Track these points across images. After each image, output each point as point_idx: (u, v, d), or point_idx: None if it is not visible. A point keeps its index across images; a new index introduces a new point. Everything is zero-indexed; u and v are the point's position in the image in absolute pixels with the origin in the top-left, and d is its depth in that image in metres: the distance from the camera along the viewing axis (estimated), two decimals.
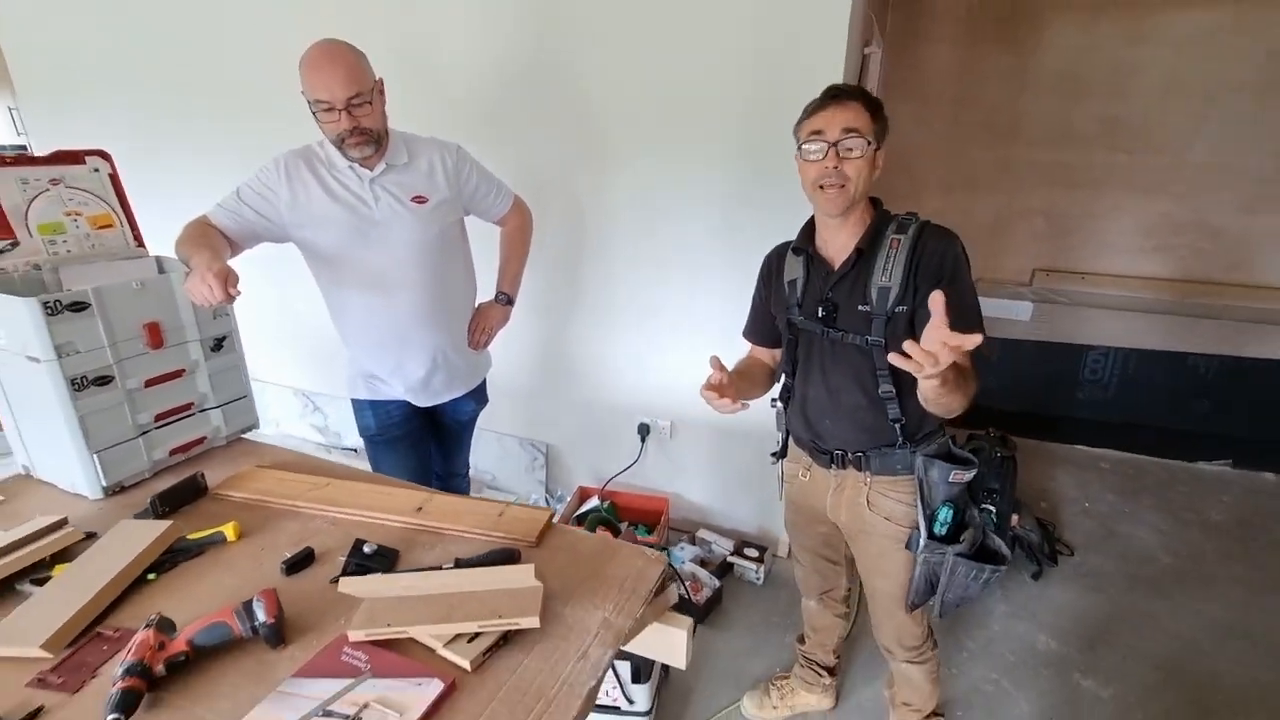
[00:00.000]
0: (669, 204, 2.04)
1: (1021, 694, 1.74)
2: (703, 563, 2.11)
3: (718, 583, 2.02)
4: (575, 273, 2.23)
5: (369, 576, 0.91)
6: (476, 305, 1.71)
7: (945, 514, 1.21)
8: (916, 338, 1.06)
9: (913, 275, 1.12)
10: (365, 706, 0.76)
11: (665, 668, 1.69)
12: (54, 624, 0.85)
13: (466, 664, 0.81)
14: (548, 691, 0.79)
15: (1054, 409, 3.23)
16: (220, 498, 1.20)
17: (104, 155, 1.39)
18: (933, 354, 0.90)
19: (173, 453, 1.29)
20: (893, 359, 0.94)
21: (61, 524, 1.06)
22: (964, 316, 1.07)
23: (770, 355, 1.42)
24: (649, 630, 0.99)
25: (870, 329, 1.15)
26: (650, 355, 2.24)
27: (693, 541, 2.23)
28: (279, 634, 0.85)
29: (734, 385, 1.14)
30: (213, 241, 1.32)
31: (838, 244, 1.20)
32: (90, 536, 1.06)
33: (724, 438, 2.22)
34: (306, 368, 2.90)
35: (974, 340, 0.87)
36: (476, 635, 0.85)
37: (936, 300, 0.91)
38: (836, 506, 1.33)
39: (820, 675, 1.66)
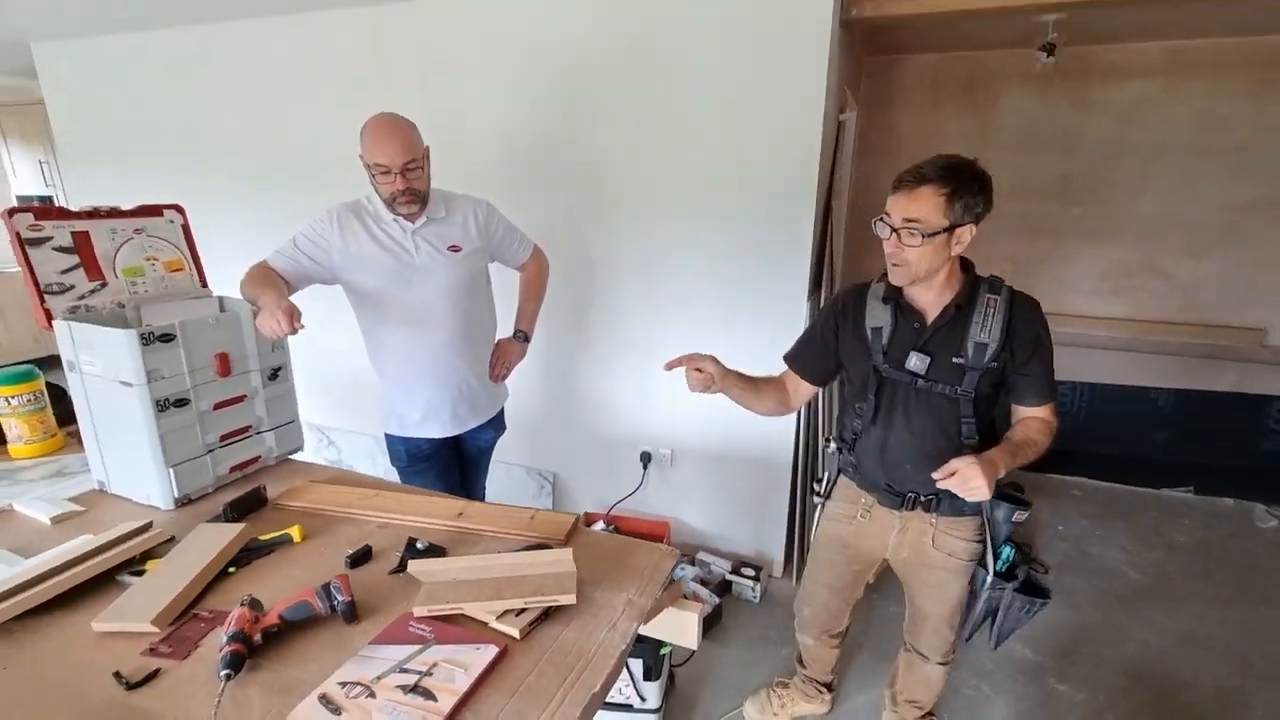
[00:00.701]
0: (668, 254, 2.26)
1: (1000, 698, 1.88)
2: (703, 582, 2.24)
3: (717, 600, 2.15)
4: (584, 315, 2.43)
5: (432, 559, 1.06)
6: (496, 341, 1.90)
7: (1008, 553, 1.30)
8: (1007, 395, 1.28)
9: (1009, 336, 1.21)
10: (435, 665, 0.91)
11: (672, 675, 1.81)
12: (159, 604, 1.00)
13: (516, 633, 0.96)
14: (586, 654, 0.95)
15: None
16: (280, 507, 1.35)
17: (179, 209, 1.58)
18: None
19: (232, 470, 1.44)
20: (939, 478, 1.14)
21: (147, 527, 1.20)
22: (1046, 385, 1.26)
23: (798, 388, 1.45)
24: (664, 614, 1.14)
25: (963, 380, 1.23)
26: (652, 389, 2.43)
27: (692, 562, 2.36)
28: (354, 610, 1.00)
29: (721, 374, 1.29)
30: (276, 282, 1.50)
31: (928, 298, 1.26)
32: (170, 540, 1.20)
33: (722, 465, 2.38)
34: (321, 403, 3.04)
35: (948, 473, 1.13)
36: (523, 610, 1.00)
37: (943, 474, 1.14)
38: (900, 545, 1.39)
39: (820, 690, 1.78)
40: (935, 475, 1.14)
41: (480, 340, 1.82)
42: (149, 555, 1.16)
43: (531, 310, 1.97)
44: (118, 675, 0.89)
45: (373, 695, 0.85)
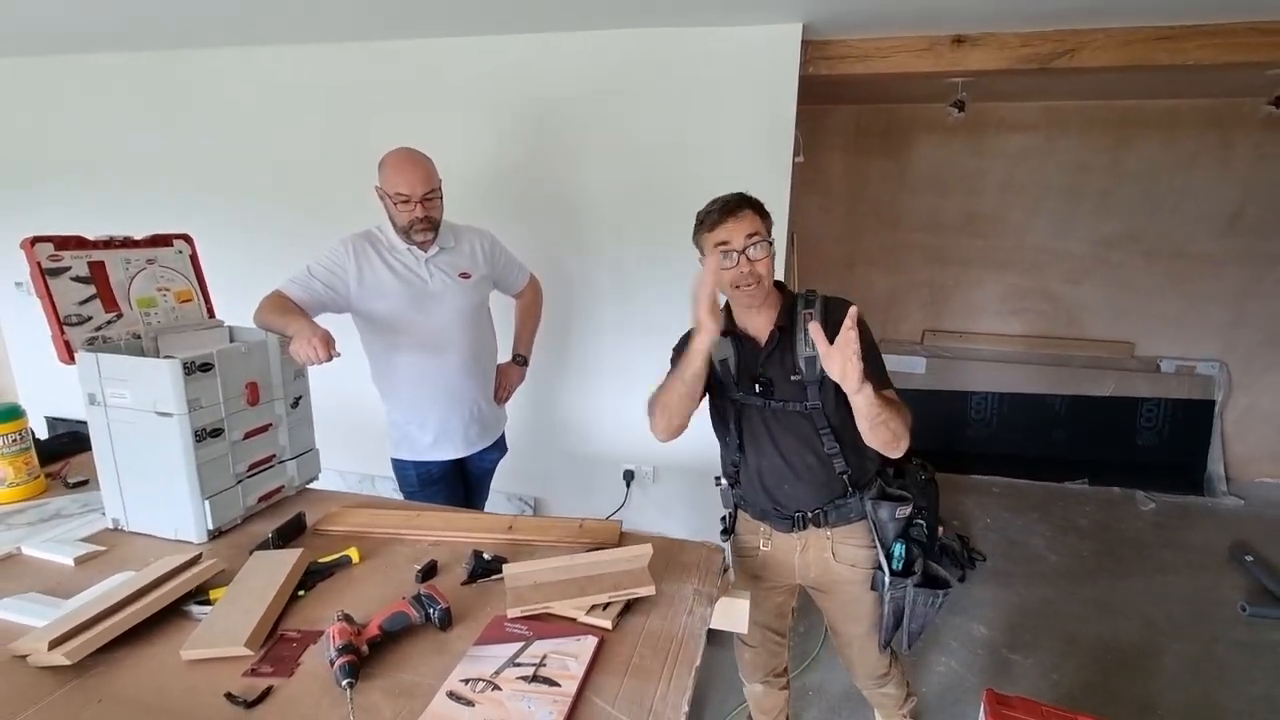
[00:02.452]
0: (644, 278, 2.41)
1: (967, 672, 2.11)
2: None
3: None
4: (564, 339, 2.53)
5: (522, 562, 1.13)
6: (498, 365, 1.96)
7: (899, 550, 1.34)
8: (843, 398, 1.22)
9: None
10: (545, 656, 0.98)
11: None
12: (246, 628, 1.00)
13: (608, 624, 1.05)
14: (676, 636, 1.05)
15: (951, 445, 3.83)
16: (322, 533, 1.35)
17: (187, 239, 1.56)
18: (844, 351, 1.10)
19: (259, 500, 1.42)
20: (813, 328, 1.13)
21: (197, 559, 1.18)
22: (872, 367, 1.19)
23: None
24: (719, 603, 1.26)
25: (806, 395, 1.29)
26: (632, 409, 2.53)
27: None
28: (449, 617, 1.05)
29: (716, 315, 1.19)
30: (298, 311, 1.51)
31: (757, 324, 1.34)
32: (221, 571, 1.18)
33: (702, 477, 2.52)
34: None
35: (850, 320, 1.09)
36: (608, 604, 1.09)
37: (816, 330, 1.14)
38: (805, 566, 1.43)
39: None
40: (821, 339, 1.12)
41: (487, 363, 1.89)
42: (204, 586, 1.14)
43: (529, 335, 2.06)
44: (230, 696, 0.89)
45: (497, 688, 0.91)
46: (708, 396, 1.43)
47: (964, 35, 2.17)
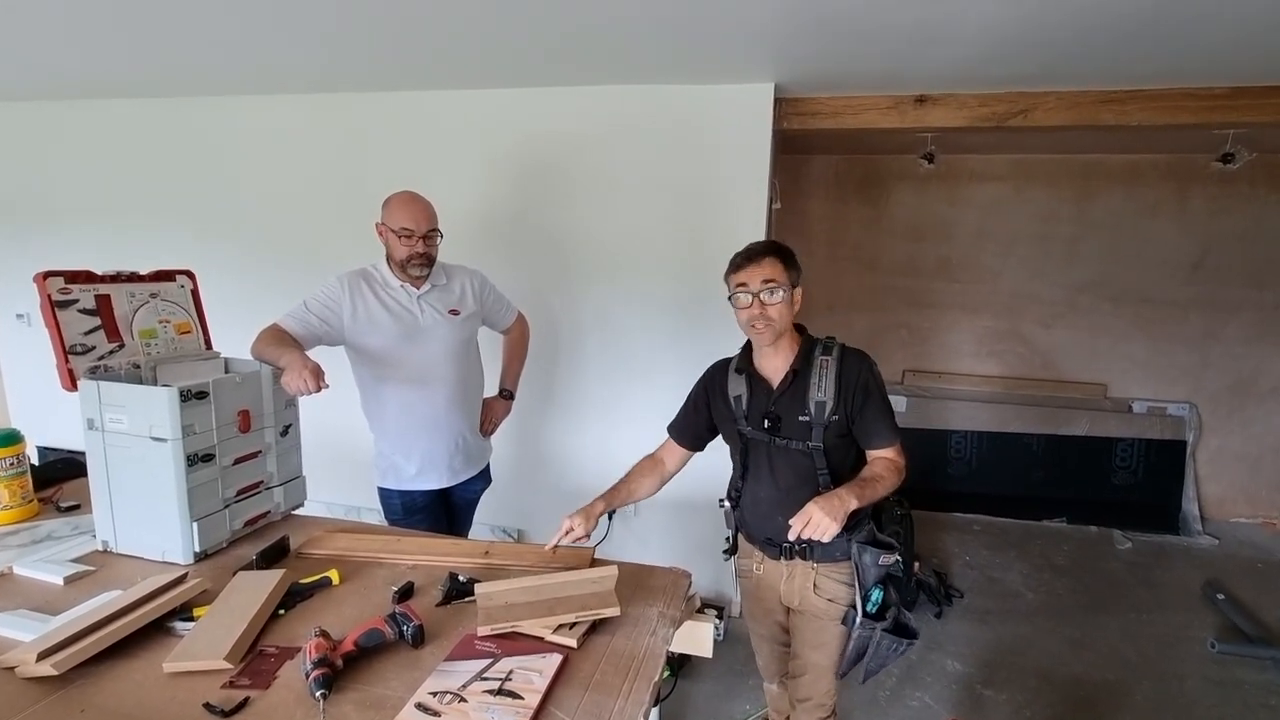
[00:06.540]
0: (627, 320, 2.52)
1: (940, 706, 2.13)
2: None
3: None
4: (549, 375, 2.61)
5: (496, 581, 1.18)
6: (484, 398, 2.04)
7: (877, 595, 1.37)
8: (852, 441, 1.40)
9: (841, 390, 1.36)
10: (511, 672, 1.03)
11: (660, 713, 1.92)
12: (227, 643, 1.05)
13: (574, 643, 1.10)
14: (638, 655, 1.10)
15: (932, 484, 3.88)
16: (304, 555, 1.40)
17: (189, 274, 1.65)
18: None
19: (246, 524, 1.48)
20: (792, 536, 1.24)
21: (183, 579, 1.23)
22: (885, 428, 1.37)
23: (673, 455, 1.61)
24: (683, 627, 1.31)
25: (811, 435, 1.36)
26: (615, 443, 2.60)
27: None
28: (422, 634, 1.10)
29: (589, 518, 1.49)
30: (293, 343, 1.59)
31: (773, 365, 1.42)
32: (205, 590, 1.23)
33: (681, 512, 2.58)
34: None
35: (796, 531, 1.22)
36: (575, 624, 1.14)
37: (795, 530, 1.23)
38: (790, 593, 1.49)
39: None
40: (790, 537, 1.25)
41: (474, 397, 1.96)
42: (188, 604, 1.19)
43: (515, 370, 2.14)
44: (209, 706, 0.94)
45: (464, 700, 0.96)
46: (718, 429, 1.54)
47: (926, 95, 2.33)
